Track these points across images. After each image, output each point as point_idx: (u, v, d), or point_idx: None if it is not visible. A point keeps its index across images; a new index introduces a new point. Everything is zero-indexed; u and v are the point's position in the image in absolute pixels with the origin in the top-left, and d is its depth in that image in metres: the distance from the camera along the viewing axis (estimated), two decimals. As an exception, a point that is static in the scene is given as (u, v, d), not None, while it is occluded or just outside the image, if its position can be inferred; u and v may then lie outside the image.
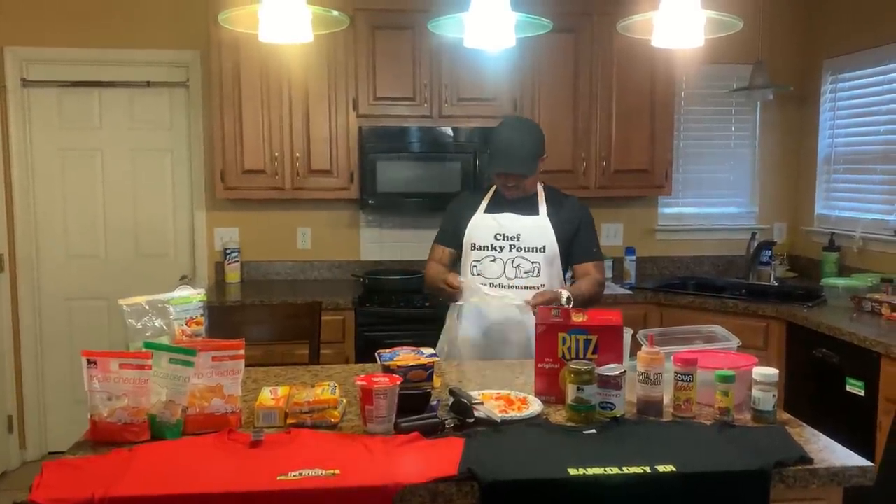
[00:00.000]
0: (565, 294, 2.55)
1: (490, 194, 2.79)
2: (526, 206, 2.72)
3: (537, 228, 2.69)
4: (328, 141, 3.90)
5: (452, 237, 2.79)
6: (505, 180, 2.68)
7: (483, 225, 2.72)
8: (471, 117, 3.94)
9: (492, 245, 2.69)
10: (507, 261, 2.66)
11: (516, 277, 2.65)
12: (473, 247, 2.72)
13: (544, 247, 2.67)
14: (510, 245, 2.67)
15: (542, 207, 2.73)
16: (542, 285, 2.64)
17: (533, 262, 2.66)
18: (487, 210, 2.75)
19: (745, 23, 2.15)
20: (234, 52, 3.78)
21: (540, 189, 2.77)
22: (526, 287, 2.62)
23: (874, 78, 3.99)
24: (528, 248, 2.67)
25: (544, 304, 2.43)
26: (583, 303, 2.65)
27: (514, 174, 2.66)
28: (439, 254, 2.82)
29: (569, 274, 2.81)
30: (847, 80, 4.21)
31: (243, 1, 2.06)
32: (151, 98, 4.18)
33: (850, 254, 4.08)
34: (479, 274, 2.68)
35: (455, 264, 2.80)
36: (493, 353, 2.64)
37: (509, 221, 2.70)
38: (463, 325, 2.69)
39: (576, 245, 2.74)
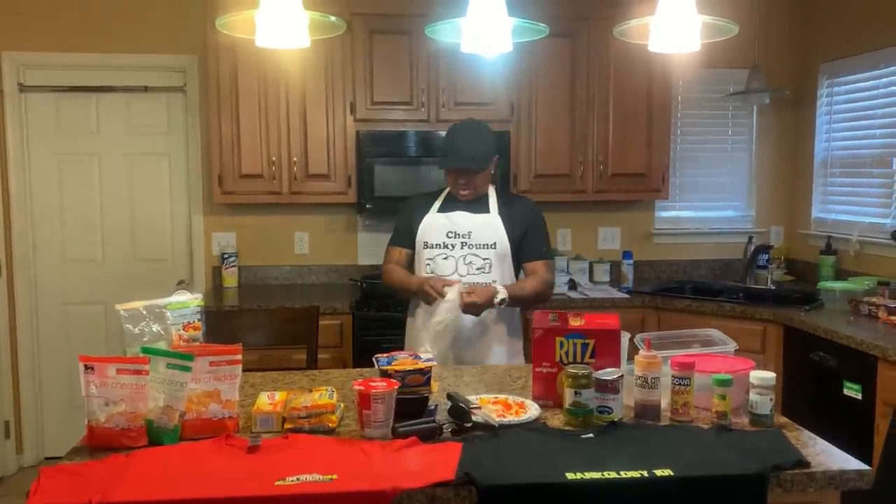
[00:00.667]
0: (501, 294, 2.60)
1: (443, 196, 2.85)
2: (477, 205, 2.79)
3: (488, 226, 2.75)
4: (326, 145, 3.91)
5: (407, 238, 2.84)
6: (456, 178, 2.74)
7: (435, 224, 2.77)
8: (468, 121, 3.94)
9: (444, 243, 2.74)
10: (459, 258, 2.72)
11: (468, 274, 2.70)
12: (426, 245, 2.76)
13: (495, 243, 2.73)
14: (461, 242, 2.73)
15: (493, 206, 2.79)
16: (495, 281, 2.69)
17: (484, 259, 2.72)
18: (440, 210, 2.81)
19: (741, 27, 2.16)
20: (232, 56, 3.79)
21: (491, 190, 2.84)
22: (478, 283, 2.67)
23: (870, 82, 4.00)
24: (479, 244, 2.72)
25: (479, 304, 2.54)
26: (526, 301, 2.75)
27: (466, 170, 2.71)
28: (396, 255, 2.86)
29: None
30: (843, 83, 4.22)
31: (241, 6, 2.07)
32: (149, 103, 4.19)
33: (846, 257, 4.08)
34: (432, 272, 2.72)
35: (412, 265, 2.84)
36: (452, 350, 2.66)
37: (461, 220, 2.76)
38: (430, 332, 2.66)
39: (525, 244, 2.80)
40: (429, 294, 2.60)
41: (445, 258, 2.73)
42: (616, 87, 4.06)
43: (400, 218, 2.92)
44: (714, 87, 4.47)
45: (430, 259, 2.75)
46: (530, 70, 3.96)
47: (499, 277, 2.71)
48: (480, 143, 2.74)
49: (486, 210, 2.78)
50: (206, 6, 3.74)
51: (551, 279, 2.84)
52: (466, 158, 2.70)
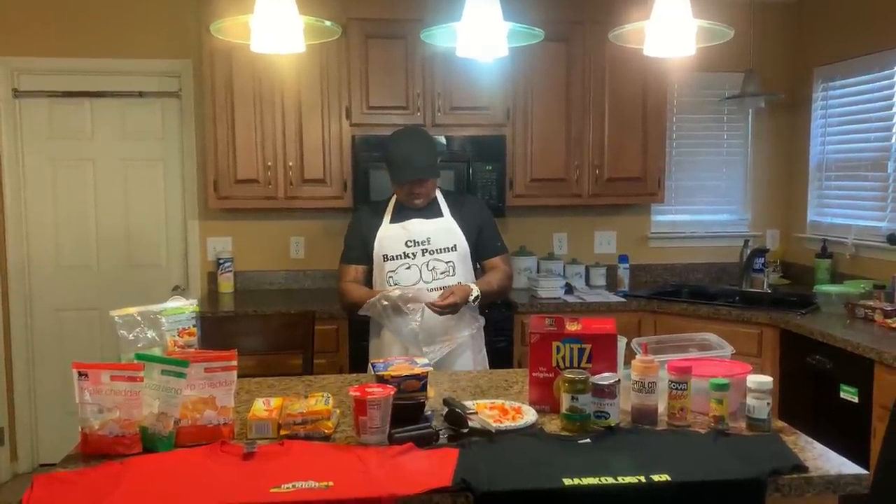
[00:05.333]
0: (475, 291, 2.65)
1: (391, 206, 2.83)
2: (430, 210, 2.80)
3: (445, 230, 2.76)
4: (321, 150, 3.90)
5: (362, 254, 2.81)
6: (411, 189, 2.72)
7: (392, 235, 2.76)
8: (464, 126, 3.94)
9: (404, 253, 2.73)
10: (422, 265, 2.72)
11: (433, 280, 2.71)
12: (386, 258, 2.74)
13: (455, 245, 2.75)
14: (422, 249, 2.73)
15: (445, 209, 2.81)
16: (459, 283, 2.70)
17: (447, 263, 2.73)
18: (393, 220, 2.79)
19: (735, 31, 2.16)
20: (227, 61, 3.78)
21: (438, 193, 2.84)
22: (444, 288, 2.67)
23: (865, 85, 4.01)
24: (440, 248, 2.73)
25: (456, 304, 2.57)
26: (493, 295, 2.79)
27: (425, 179, 2.71)
28: (353, 273, 2.82)
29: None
30: (838, 87, 4.23)
31: (235, 11, 2.06)
32: (143, 108, 4.17)
33: (842, 260, 4.09)
34: (395, 283, 2.70)
35: (368, 282, 2.81)
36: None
37: (417, 227, 2.75)
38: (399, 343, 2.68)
39: (481, 242, 2.83)
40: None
41: (408, 268, 2.72)
42: (611, 91, 4.06)
43: (351, 234, 2.88)
44: (709, 91, 4.48)
45: (392, 271, 2.73)
46: (526, 74, 3.96)
47: (462, 279, 2.73)
48: (430, 149, 2.77)
49: (440, 214, 2.80)
50: (200, 11, 3.74)
51: (511, 271, 2.93)
52: (424, 168, 2.71)
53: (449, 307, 2.58)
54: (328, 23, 2.07)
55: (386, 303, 2.54)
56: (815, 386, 3.22)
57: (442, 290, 2.63)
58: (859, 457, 1.89)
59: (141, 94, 4.14)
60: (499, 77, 3.88)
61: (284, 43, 2.04)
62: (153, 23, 4.09)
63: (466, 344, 2.76)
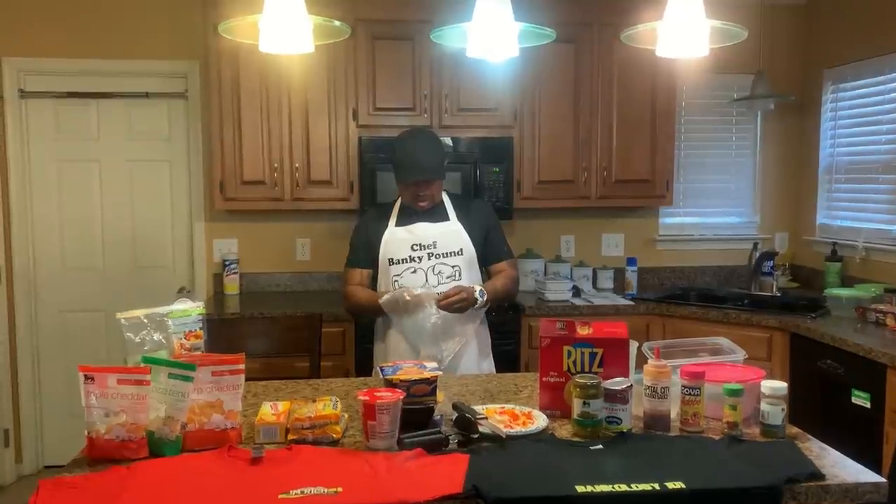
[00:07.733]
0: (477, 288, 2.63)
1: (397, 209, 2.80)
2: (436, 214, 2.77)
3: (451, 233, 2.74)
4: (328, 151, 3.88)
5: (367, 257, 2.78)
6: (416, 190, 2.70)
7: (397, 238, 2.73)
8: (471, 127, 3.92)
9: (410, 257, 2.71)
10: (428, 269, 2.69)
11: (439, 284, 2.68)
12: (391, 262, 2.72)
13: (461, 249, 2.72)
14: (428, 253, 2.70)
15: (452, 213, 2.78)
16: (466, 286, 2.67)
17: (453, 267, 2.70)
18: (398, 224, 2.76)
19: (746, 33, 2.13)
20: (234, 62, 3.77)
21: (444, 197, 2.81)
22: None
23: (875, 88, 3.98)
24: (446, 252, 2.71)
25: (459, 301, 2.55)
26: (498, 300, 2.77)
27: (430, 180, 2.68)
28: (358, 277, 2.79)
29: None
30: (848, 89, 4.20)
31: (243, 11, 2.04)
32: (150, 109, 4.16)
33: (852, 263, 4.06)
34: (401, 287, 2.67)
35: (373, 286, 2.79)
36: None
37: (423, 231, 2.72)
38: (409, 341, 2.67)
39: (488, 246, 2.80)
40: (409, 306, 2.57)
41: (414, 271, 2.69)
42: (620, 92, 4.04)
43: (356, 237, 2.85)
44: (718, 93, 4.45)
45: (398, 275, 2.70)
46: (534, 76, 3.94)
47: (468, 283, 2.70)
48: (436, 151, 2.74)
49: (446, 218, 2.77)
50: (207, 12, 3.73)
51: (517, 275, 2.90)
52: (428, 169, 2.68)
53: (457, 303, 2.56)
54: (337, 23, 2.05)
55: (409, 298, 2.53)
56: (827, 391, 3.19)
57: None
58: (871, 462, 1.87)
59: (147, 95, 4.13)
60: (506, 78, 3.86)
61: (294, 43, 2.02)
62: (159, 23, 4.08)
63: (472, 338, 2.74)
